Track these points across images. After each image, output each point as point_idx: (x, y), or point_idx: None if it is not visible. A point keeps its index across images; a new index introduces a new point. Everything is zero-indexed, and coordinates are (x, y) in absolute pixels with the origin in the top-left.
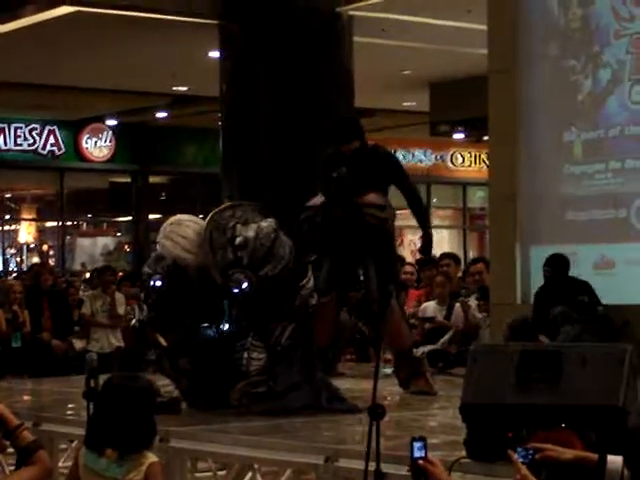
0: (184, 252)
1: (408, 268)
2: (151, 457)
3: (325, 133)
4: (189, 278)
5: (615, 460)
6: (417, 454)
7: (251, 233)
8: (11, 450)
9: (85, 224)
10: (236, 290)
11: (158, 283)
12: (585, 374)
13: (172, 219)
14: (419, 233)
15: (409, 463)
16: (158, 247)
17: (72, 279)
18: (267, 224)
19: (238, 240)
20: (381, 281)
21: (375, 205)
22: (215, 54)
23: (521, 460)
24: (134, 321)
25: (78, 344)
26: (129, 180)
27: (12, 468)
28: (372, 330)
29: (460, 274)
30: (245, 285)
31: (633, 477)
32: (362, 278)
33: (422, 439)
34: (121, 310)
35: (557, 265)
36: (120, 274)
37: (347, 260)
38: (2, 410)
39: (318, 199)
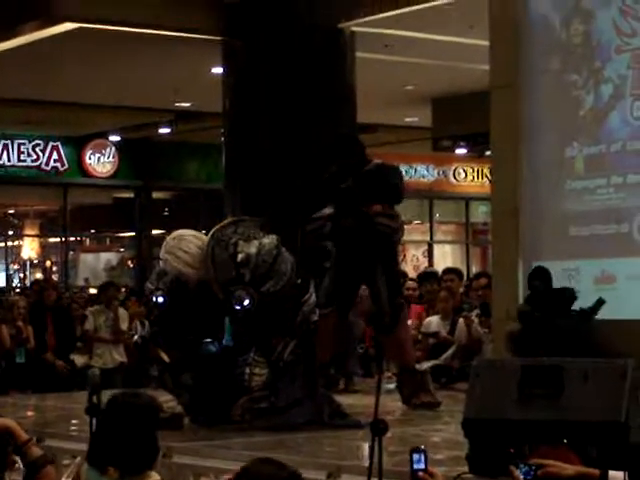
0: (186, 267)
1: (410, 283)
2: (153, 476)
3: (326, 151)
4: (191, 293)
5: (617, 476)
6: (417, 465)
7: (253, 249)
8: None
9: (88, 240)
10: (238, 307)
11: (160, 299)
12: (587, 389)
13: (174, 234)
14: (422, 248)
15: (409, 475)
16: (161, 262)
17: (75, 295)
18: (269, 240)
19: (240, 257)
20: (390, 293)
21: (385, 214)
22: (218, 70)
23: (523, 476)
24: (136, 337)
25: (80, 360)
26: (132, 196)
27: None
28: (375, 344)
29: (463, 289)
30: (247, 302)
31: None
32: (368, 290)
33: (422, 450)
34: (124, 326)
35: (541, 277)
36: (123, 290)
37: (353, 272)
38: (12, 425)
39: (326, 210)
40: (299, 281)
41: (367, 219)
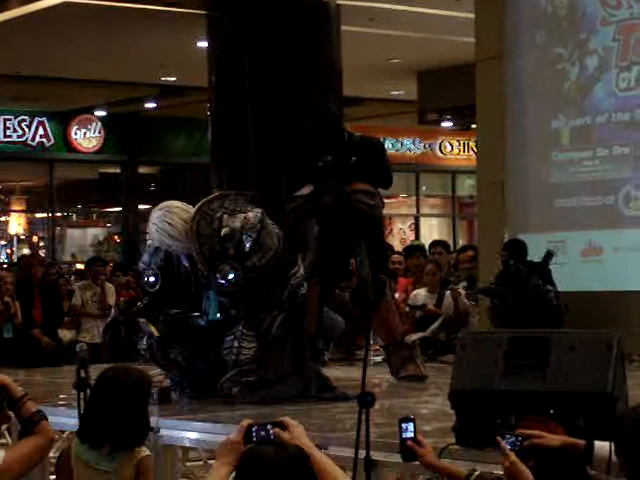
0: (169, 238)
1: (396, 257)
2: (143, 451)
3: (308, 131)
4: (180, 268)
5: (603, 445)
6: (405, 434)
7: (237, 224)
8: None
9: (75, 215)
10: (222, 281)
11: (152, 279)
12: (573, 360)
13: (163, 204)
14: (408, 221)
15: (398, 444)
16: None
17: (62, 270)
18: (253, 214)
19: (224, 231)
20: (373, 270)
21: (363, 191)
22: (203, 44)
23: (509, 447)
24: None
25: (68, 335)
26: (118, 171)
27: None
28: (362, 318)
29: (452, 261)
30: (231, 276)
31: (622, 463)
32: (354, 266)
33: (410, 419)
34: (111, 301)
35: (515, 250)
36: (110, 265)
37: (337, 248)
38: (6, 381)
39: (306, 189)
40: (287, 255)
41: (345, 197)
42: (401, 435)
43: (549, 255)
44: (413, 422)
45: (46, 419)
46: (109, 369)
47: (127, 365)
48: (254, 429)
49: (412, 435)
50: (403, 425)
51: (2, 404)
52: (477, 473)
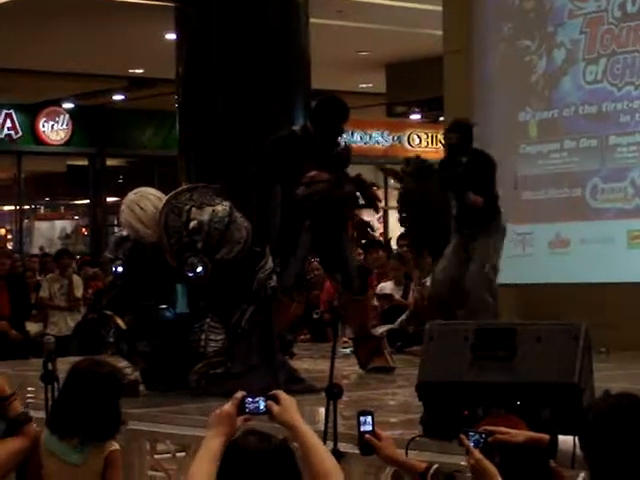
0: (139, 223)
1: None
2: (112, 444)
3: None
4: (147, 259)
5: (567, 440)
6: (364, 427)
7: (205, 217)
8: None
9: (43, 208)
10: (191, 274)
11: (119, 269)
12: (540, 351)
13: (138, 189)
14: (377, 214)
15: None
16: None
17: (29, 262)
18: (222, 208)
19: (192, 224)
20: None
21: (349, 179)
22: (171, 36)
23: (473, 444)
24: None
25: (35, 327)
26: (86, 163)
27: None
28: (330, 309)
29: None
30: (200, 269)
31: (586, 456)
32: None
33: (369, 413)
34: (78, 293)
35: (465, 132)
36: (78, 257)
37: (326, 239)
38: None
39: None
40: (257, 248)
41: (363, 186)
42: (359, 428)
43: None
44: (372, 415)
45: (31, 421)
46: (82, 361)
47: (99, 358)
48: (247, 400)
49: (370, 428)
50: (362, 418)
51: None
52: (435, 466)
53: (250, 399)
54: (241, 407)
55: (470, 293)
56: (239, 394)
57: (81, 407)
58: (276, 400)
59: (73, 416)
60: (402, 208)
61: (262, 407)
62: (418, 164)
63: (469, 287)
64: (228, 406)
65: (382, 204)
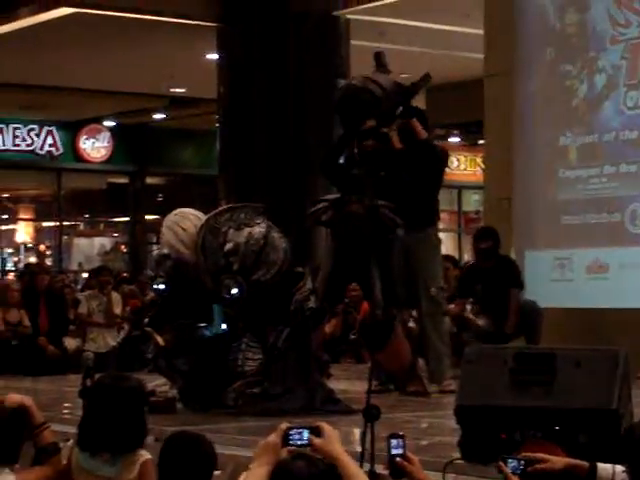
0: (179, 244)
1: None
2: (144, 455)
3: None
4: (188, 278)
5: (606, 467)
6: (394, 451)
7: (242, 239)
8: None
9: (82, 224)
10: (227, 296)
11: (161, 287)
12: (579, 376)
13: (178, 210)
14: None
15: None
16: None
17: (68, 279)
18: (258, 230)
19: (227, 246)
20: (383, 294)
21: (389, 207)
22: (213, 56)
23: (512, 471)
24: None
25: (73, 343)
26: (126, 181)
27: None
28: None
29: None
30: (235, 291)
31: (629, 473)
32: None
33: (400, 436)
34: (117, 310)
35: (497, 239)
36: (120, 275)
37: (347, 265)
38: (29, 403)
39: (332, 196)
40: (299, 268)
41: (373, 210)
42: (390, 451)
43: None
44: (402, 438)
45: (59, 452)
46: (104, 376)
47: (121, 373)
48: (291, 432)
49: (401, 452)
50: (392, 441)
51: (22, 432)
52: None
53: (294, 430)
54: (285, 438)
55: None
56: (284, 425)
57: (108, 422)
58: (319, 432)
59: (101, 432)
60: None
61: (306, 439)
62: None
63: None
64: (273, 437)
65: None
